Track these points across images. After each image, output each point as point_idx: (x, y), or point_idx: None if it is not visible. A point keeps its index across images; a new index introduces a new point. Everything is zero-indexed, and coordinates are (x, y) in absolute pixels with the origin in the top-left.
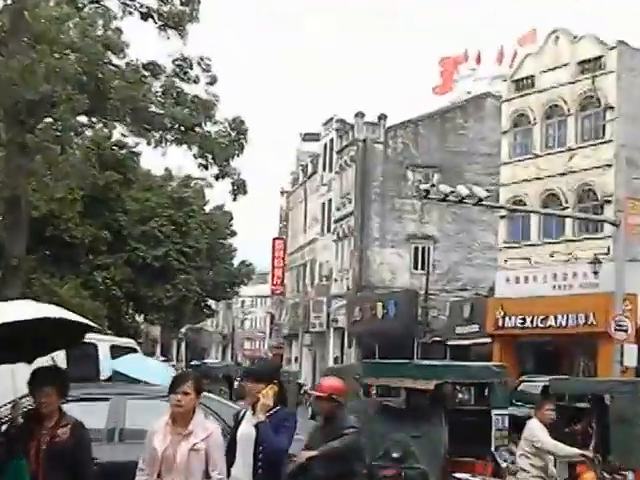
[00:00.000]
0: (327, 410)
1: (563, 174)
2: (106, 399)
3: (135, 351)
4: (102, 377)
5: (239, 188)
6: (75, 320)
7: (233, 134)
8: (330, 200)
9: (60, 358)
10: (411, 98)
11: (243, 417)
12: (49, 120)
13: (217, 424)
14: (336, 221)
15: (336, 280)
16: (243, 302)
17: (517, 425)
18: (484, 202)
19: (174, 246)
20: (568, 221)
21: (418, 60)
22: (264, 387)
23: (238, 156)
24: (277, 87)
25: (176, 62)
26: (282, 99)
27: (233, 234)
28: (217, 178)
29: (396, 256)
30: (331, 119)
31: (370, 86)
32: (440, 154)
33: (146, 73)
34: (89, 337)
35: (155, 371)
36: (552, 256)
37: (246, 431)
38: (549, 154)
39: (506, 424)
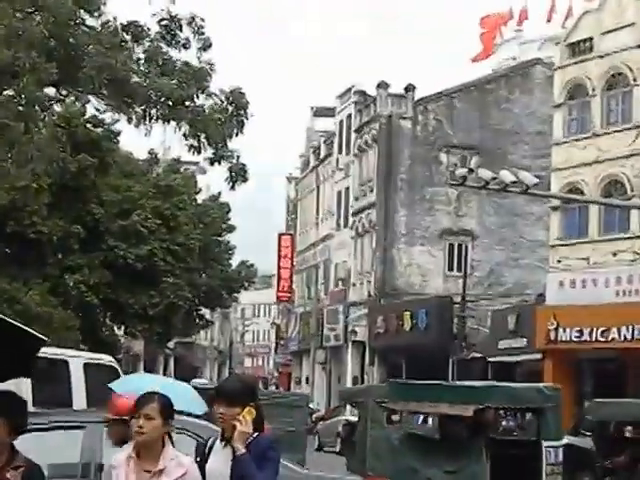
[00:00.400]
0: (121, 436)
1: (628, 156)
2: (80, 427)
3: (115, 370)
4: (76, 400)
5: (238, 174)
6: (17, 328)
7: (231, 109)
8: (347, 188)
9: (23, 380)
10: (445, 66)
11: (211, 449)
12: (10, 93)
13: (192, 459)
14: (355, 213)
15: (355, 285)
16: (243, 311)
17: (579, 459)
18: (533, 190)
19: (160, 244)
20: (634, 213)
21: (453, 23)
22: (240, 411)
23: (237, 136)
24: (284, 53)
25: (162, 23)
26: (290, 69)
27: (231, 229)
28: (212, 162)
29: (427, 255)
30: (349, 90)
31: (395, 54)
32: (480, 133)
33: (126, 36)
34: (59, 353)
35: (183, 395)
36: (615, 255)
37: (217, 467)
38: (611, 132)
39: (560, 458)
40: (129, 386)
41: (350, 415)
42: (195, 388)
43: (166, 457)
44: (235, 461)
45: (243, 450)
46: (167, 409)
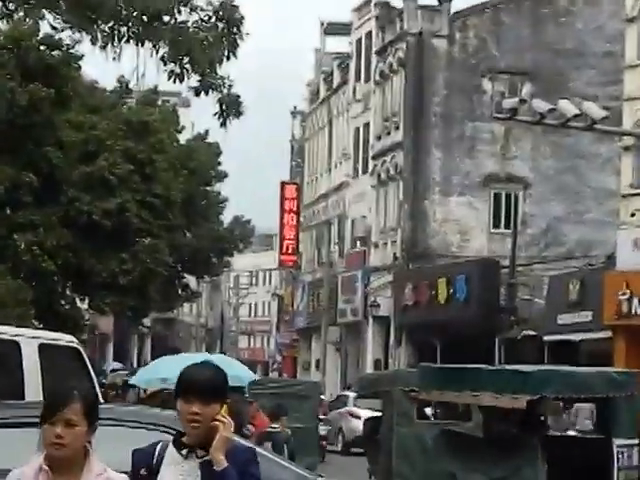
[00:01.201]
0: None
1: None
2: (37, 424)
3: (77, 353)
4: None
5: (230, 108)
6: None
7: (221, 26)
8: (367, 125)
9: None
10: None
11: (161, 459)
12: None
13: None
14: (376, 156)
15: (377, 246)
16: (237, 279)
17: None
18: (600, 126)
19: (134, 195)
20: None
21: None
22: (219, 409)
23: (228, 59)
24: None
25: None
26: None
27: (221, 177)
28: (197, 93)
29: (467, 208)
30: (368, 2)
31: None
32: (533, 54)
33: None
34: (7, 332)
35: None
36: None
37: None
38: None
39: (635, 460)
40: (157, 375)
41: (354, 406)
42: (113, 371)
43: (91, 472)
44: (213, 478)
45: (225, 463)
46: (92, 409)
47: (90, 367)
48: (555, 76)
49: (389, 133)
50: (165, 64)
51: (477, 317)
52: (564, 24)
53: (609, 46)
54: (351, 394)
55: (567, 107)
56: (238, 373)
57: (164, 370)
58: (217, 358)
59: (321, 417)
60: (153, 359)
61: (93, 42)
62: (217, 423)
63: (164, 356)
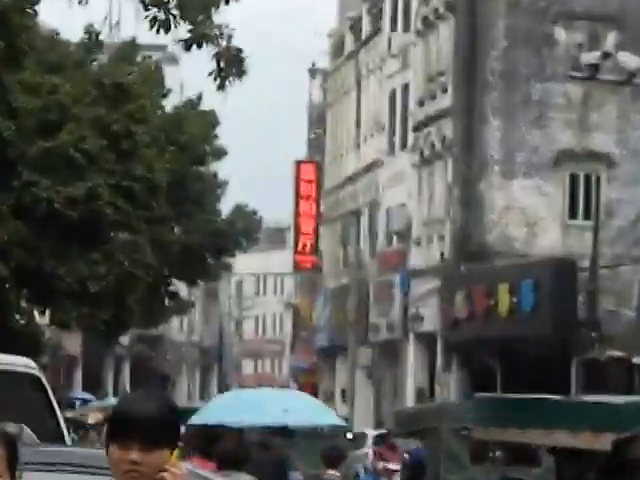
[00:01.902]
0: None
1: None
2: None
3: (36, 381)
4: None
5: (230, 65)
6: None
7: None
8: (406, 86)
9: None
10: None
11: None
12: None
13: None
14: (418, 127)
15: (419, 243)
16: (240, 285)
17: None
18: None
19: (107, 179)
20: None
21: None
22: (169, 456)
23: (228, 2)
24: None
25: None
26: None
27: (219, 154)
28: (188, 47)
29: (535, 194)
30: None
31: None
32: None
33: None
34: None
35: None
36: None
37: None
38: None
39: None
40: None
41: (374, 446)
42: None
43: None
44: None
45: None
46: (16, 455)
47: (53, 399)
48: None
49: (434, 97)
50: (146, 9)
51: (548, 333)
52: None
53: None
54: (371, 432)
55: None
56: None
57: (237, 408)
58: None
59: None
60: (133, 387)
61: None
62: (164, 475)
63: (231, 390)
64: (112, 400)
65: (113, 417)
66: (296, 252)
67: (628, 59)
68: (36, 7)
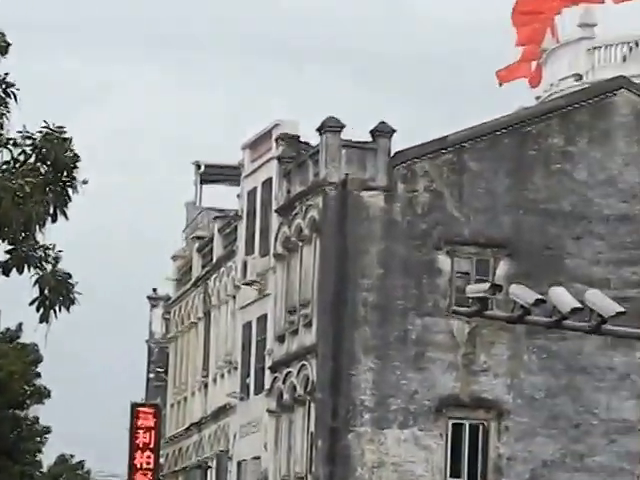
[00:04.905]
0: None
1: None
2: None
3: None
4: None
5: (56, 293)
6: None
7: (44, 169)
8: (264, 318)
9: None
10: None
11: None
12: None
13: None
14: (276, 367)
15: None
16: None
17: None
18: (610, 326)
19: None
20: None
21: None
22: None
23: (55, 220)
24: None
25: None
26: None
27: (42, 396)
28: (6, 271)
29: (412, 446)
30: (267, 134)
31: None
32: (511, 216)
33: None
34: None
35: None
36: None
37: None
38: None
39: None
40: None
41: None
42: None
43: None
44: None
45: None
46: None
47: None
48: (544, 250)
49: (296, 332)
50: None
51: None
52: (558, 173)
53: (625, 207)
54: None
55: (562, 297)
56: None
57: None
58: None
59: None
60: None
61: None
62: None
63: None
64: None
65: None
66: None
67: (522, 292)
68: None
